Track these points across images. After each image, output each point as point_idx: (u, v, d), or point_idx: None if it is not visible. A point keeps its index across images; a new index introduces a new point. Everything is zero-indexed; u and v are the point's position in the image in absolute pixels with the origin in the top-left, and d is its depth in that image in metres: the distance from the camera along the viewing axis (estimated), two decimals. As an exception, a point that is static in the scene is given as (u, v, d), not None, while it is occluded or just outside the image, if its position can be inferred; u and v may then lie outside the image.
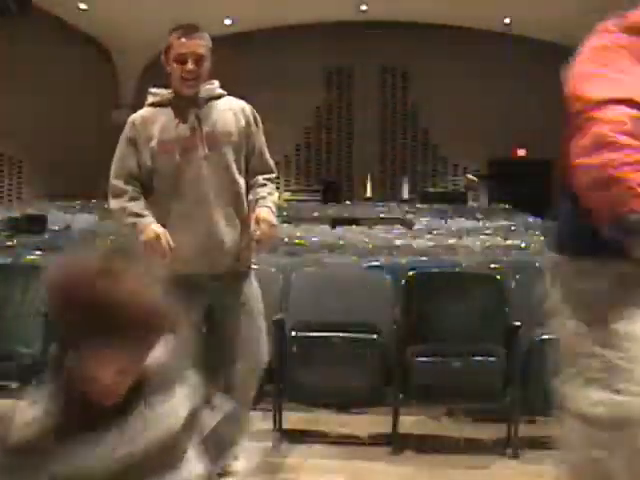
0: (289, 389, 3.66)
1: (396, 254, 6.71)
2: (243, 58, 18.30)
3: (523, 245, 7.84)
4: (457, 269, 4.99)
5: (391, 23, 17.98)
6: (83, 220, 12.12)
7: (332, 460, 3.52)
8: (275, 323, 3.70)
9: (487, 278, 4.13)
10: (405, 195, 18.37)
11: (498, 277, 4.04)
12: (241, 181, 2.92)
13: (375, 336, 3.61)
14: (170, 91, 2.91)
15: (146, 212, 2.83)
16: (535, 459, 3.54)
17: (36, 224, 11.10)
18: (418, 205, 15.61)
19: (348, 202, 17.03)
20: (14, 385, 3.81)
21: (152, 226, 2.78)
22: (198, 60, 2.82)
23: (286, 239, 8.32)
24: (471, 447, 3.75)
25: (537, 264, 5.60)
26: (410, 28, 18.04)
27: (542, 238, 8.95)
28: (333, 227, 10.75)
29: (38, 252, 5.88)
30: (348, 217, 13.35)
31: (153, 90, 2.96)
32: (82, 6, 16.03)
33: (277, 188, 3.13)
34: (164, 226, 2.82)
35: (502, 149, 18.39)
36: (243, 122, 2.94)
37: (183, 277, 2.80)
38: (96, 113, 18.21)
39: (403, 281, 4.02)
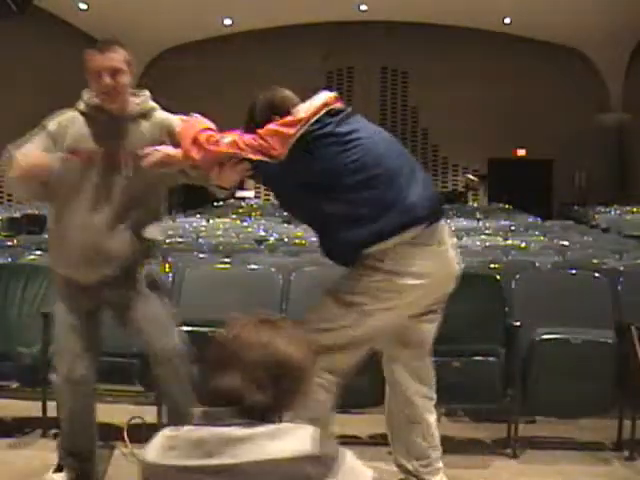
0: (289, 389, 3.65)
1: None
2: (243, 58, 18.30)
3: (523, 245, 7.84)
4: (457, 269, 4.98)
5: (391, 23, 17.99)
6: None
7: (332, 460, 3.51)
8: (275, 323, 3.69)
9: (487, 278, 4.12)
10: (405, 195, 18.36)
11: (498, 277, 4.04)
12: (152, 202, 2.96)
13: (375, 336, 3.61)
14: (98, 101, 2.88)
15: None
16: (535, 459, 3.54)
17: (36, 224, 11.10)
18: (418, 205, 15.59)
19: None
20: (14, 385, 3.82)
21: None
22: (114, 74, 2.81)
23: (286, 239, 8.33)
24: (471, 447, 3.74)
25: (537, 264, 5.62)
26: (410, 28, 18.05)
27: (542, 238, 8.96)
28: (333, 227, 10.73)
29: (38, 252, 5.88)
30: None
31: (85, 95, 2.92)
32: (82, 6, 16.04)
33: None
34: (57, 232, 2.89)
35: (502, 149, 18.39)
36: (165, 139, 2.89)
37: (69, 279, 2.89)
38: (96, 113, 18.21)
39: (403, 281, 4.01)
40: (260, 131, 2.58)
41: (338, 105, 2.68)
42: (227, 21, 17.98)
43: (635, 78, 17.60)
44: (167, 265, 4.77)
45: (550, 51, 18.06)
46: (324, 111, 2.61)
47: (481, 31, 18.10)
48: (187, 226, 10.44)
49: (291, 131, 2.55)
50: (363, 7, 17.43)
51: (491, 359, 3.52)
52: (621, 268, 5.27)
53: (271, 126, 2.58)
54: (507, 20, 17.55)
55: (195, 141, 2.62)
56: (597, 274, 4.21)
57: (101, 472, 3.16)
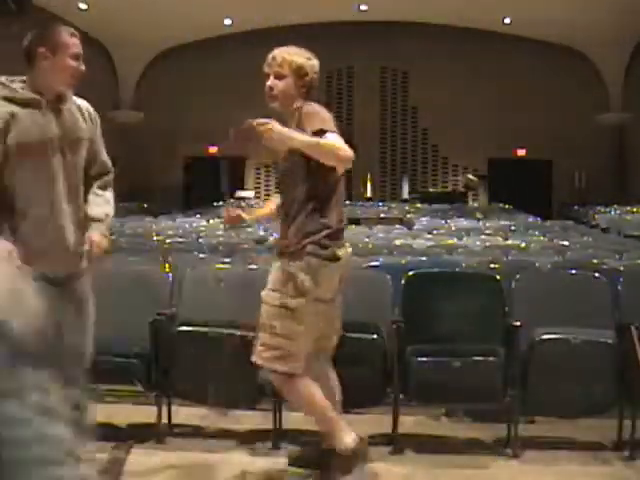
0: (289, 389, 3.65)
1: (396, 254, 6.71)
2: (243, 58, 18.29)
3: (523, 245, 7.84)
4: (457, 269, 4.99)
5: (391, 23, 17.99)
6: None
7: (332, 460, 3.51)
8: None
9: (487, 278, 4.12)
10: (405, 195, 18.37)
11: (498, 277, 4.04)
12: (82, 182, 2.93)
13: (375, 336, 3.61)
14: (23, 86, 2.82)
15: None
16: (535, 459, 3.54)
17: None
18: (418, 205, 15.62)
19: (348, 202, 17.05)
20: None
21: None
22: (83, 61, 2.86)
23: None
24: (471, 447, 3.75)
25: (537, 264, 5.62)
26: (410, 28, 18.05)
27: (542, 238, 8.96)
28: (333, 227, 10.73)
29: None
30: (348, 217, 13.35)
31: (5, 81, 2.83)
32: (82, 6, 16.04)
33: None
34: (17, 229, 2.76)
35: (502, 149, 18.39)
36: (90, 122, 2.95)
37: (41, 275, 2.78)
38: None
39: (403, 281, 4.02)
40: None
41: None
42: (227, 21, 17.98)
43: (635, 78, 17.60)
44: (167, 265, 4.78)
45: (550, 51, 18.06)
46: None
47: (481, 31, 18.10)
48: (187, 226, 10.44)
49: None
50: (363, 7, 17.43)
51: (491, 359, 3.52)
52: (621, 268, 5.27)
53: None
54: (507, 20, 17.55)
55: None
56: (597, 274, 4.21)
57: (101, 472, 3.16)
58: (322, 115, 3.05)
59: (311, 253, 2.98)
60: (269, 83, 3.15)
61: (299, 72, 3.17)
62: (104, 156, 3.03)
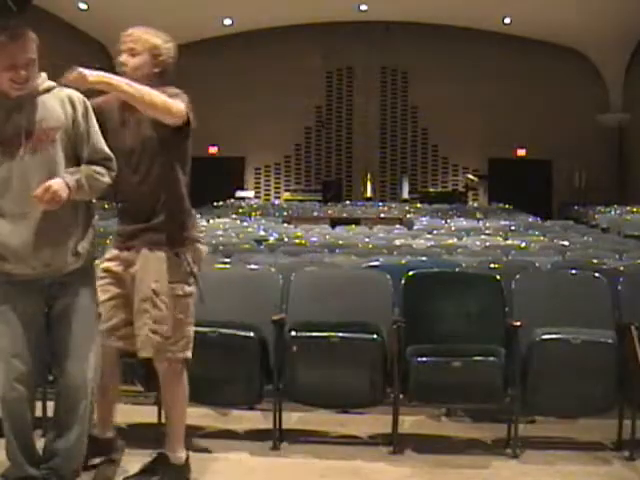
0: (289, 389, 3.65)
1: (396, 254, 6.71)
2: (243, 58, 18.29)
3: (523, 245, 7.84)
4: (457, 269, 4.99)
5: (391, 23, 17.98)
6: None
7: (332, 460, 3.52)
8: (275, 323, 3.70)
9: (487, 278, 4.12)
10: (405, 195, 18.36)
11: (498, 277, 4.04)
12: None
13: (375, 336, 3.61)
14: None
15: None
16: (535, 459, 3.54)
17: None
18: (418, 205, 15.62)
19: (348, 202, 17.04)
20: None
21: None
22: (29, 65, 2.71)
23: (286, 239, 8.33)
24: (471, 447, 3.74)
25: (537, 264, 5.62)
26: (410, 28, 18.05)
27: (542, 238, 8.96)
28: (333, 227, 10.74)
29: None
30: (348, 217, 13.35)
31: None
32: (82, 6, 16.03)
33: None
34: None
35: (502, 149, 18.39)
36: (70, 109, 2.84)
37: (16, 276, 2.73)
38: (96, 113, 18.18)
39: (403, 281, 4.02)
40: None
41: None
42: (227, 21, 17.97)
43: (635, 78, 17.59)
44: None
45: (550, 51, 18.05)
46: None
47: (481, 31, 18.10)
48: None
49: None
50: (363, 7, 17.42)
51: (491, 359, 3.52)
52: (621, 268, 5.27)
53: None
54: (507, 20, 17.54)
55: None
56: (597, 274, 4.21)
57: (101, 472, 3.15)
58: (184, 97, 3.01)
59: (196, 240, 3.11)
60: (121, 59, 3.06)
61: (153, 51, 3.05)
62: (98, 142, 2.88)
